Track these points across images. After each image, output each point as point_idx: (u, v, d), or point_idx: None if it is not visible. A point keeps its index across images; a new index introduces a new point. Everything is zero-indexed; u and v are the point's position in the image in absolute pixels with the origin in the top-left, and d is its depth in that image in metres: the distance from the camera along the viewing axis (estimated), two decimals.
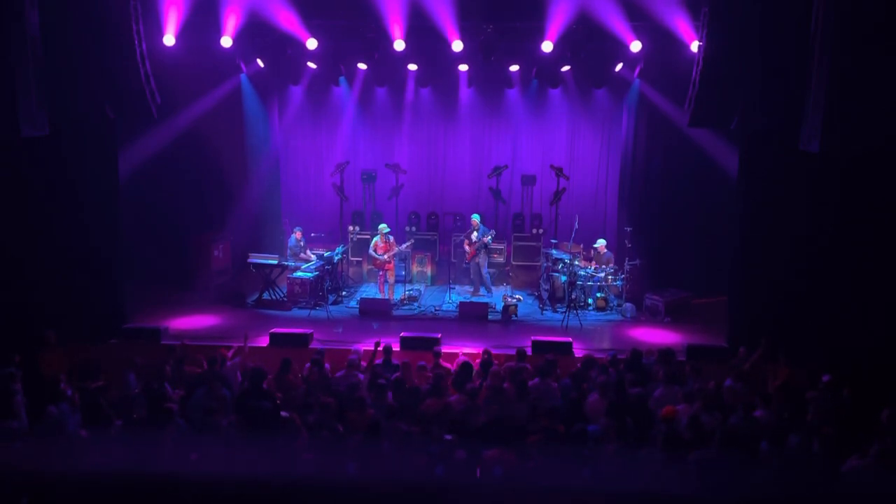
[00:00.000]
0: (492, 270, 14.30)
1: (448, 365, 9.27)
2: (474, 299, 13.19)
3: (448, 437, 6.94)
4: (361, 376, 8.70)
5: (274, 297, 13.11)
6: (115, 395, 8.19)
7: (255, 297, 13.16)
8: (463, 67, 14.15)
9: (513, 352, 9.55)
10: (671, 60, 11.98)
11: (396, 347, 10.31)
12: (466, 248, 13.74)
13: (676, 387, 8.27)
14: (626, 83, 14.45)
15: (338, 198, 14.09)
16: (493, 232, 13.84)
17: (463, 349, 10.39)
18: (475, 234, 13.61)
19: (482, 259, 13.73)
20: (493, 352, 9.67)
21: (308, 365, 8.85)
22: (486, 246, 13.60)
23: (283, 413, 7.46)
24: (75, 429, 7.25)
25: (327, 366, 9.04)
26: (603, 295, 12.99)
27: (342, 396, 8.04)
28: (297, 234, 13.85)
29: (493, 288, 14.05)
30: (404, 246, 13.63)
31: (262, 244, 14.67)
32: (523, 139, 16.32)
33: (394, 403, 7.72)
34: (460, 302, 12.77)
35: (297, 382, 8.65)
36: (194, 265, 14.01)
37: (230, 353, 9.25)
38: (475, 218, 13.85)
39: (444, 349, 10.02)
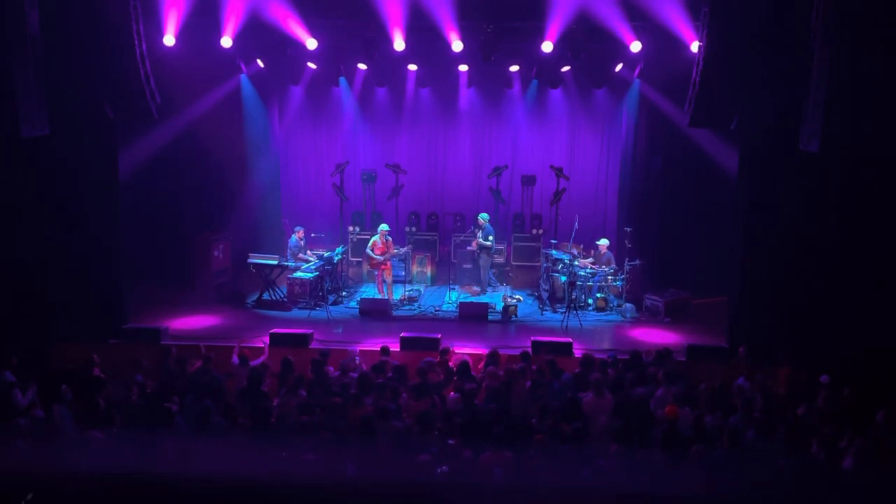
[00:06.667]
0: (493, 270, 14.27)
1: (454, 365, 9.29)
2: (474, 299, 13.16)
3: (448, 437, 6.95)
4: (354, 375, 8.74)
5: (274, 297, 13.10)
6: (116, 395, 8.18)
7: (255, 297, 13.16)
8: (463, 67, 14.15)
9: (513, 352, 9.55)
10: (671, 60, 11.98)
11: (396, 348, 10.31)
12: (474, 245, 13.62)
13: (675, 386, 8.27)
14: (626, 83, 14.45)
15: (338, 198, 14.08)
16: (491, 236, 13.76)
17: (464, 349, 10.40)
18: (480, 232, 13.55)
19: (484, 260, 13.65)
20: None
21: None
22: (485, 248, 13.50)
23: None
24: (74, 429, 7.25)
25: (330, 367, 9.06)
26: (603, 295, 12.98)
27: (341, 395, 8.05)
28: (299, 234, 13.82)
29: (491, 289, 14.04)
30: (402, 250, 13.62)
31: (262, 244, 14.65)
32: (523, 139, 16.31)
33: (389, 404, 7.72)
34: (460, 302, 12.75)
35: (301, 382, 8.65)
36: (194, 265, 13.99)
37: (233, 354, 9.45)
38: (482, 217, 13.65)
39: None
